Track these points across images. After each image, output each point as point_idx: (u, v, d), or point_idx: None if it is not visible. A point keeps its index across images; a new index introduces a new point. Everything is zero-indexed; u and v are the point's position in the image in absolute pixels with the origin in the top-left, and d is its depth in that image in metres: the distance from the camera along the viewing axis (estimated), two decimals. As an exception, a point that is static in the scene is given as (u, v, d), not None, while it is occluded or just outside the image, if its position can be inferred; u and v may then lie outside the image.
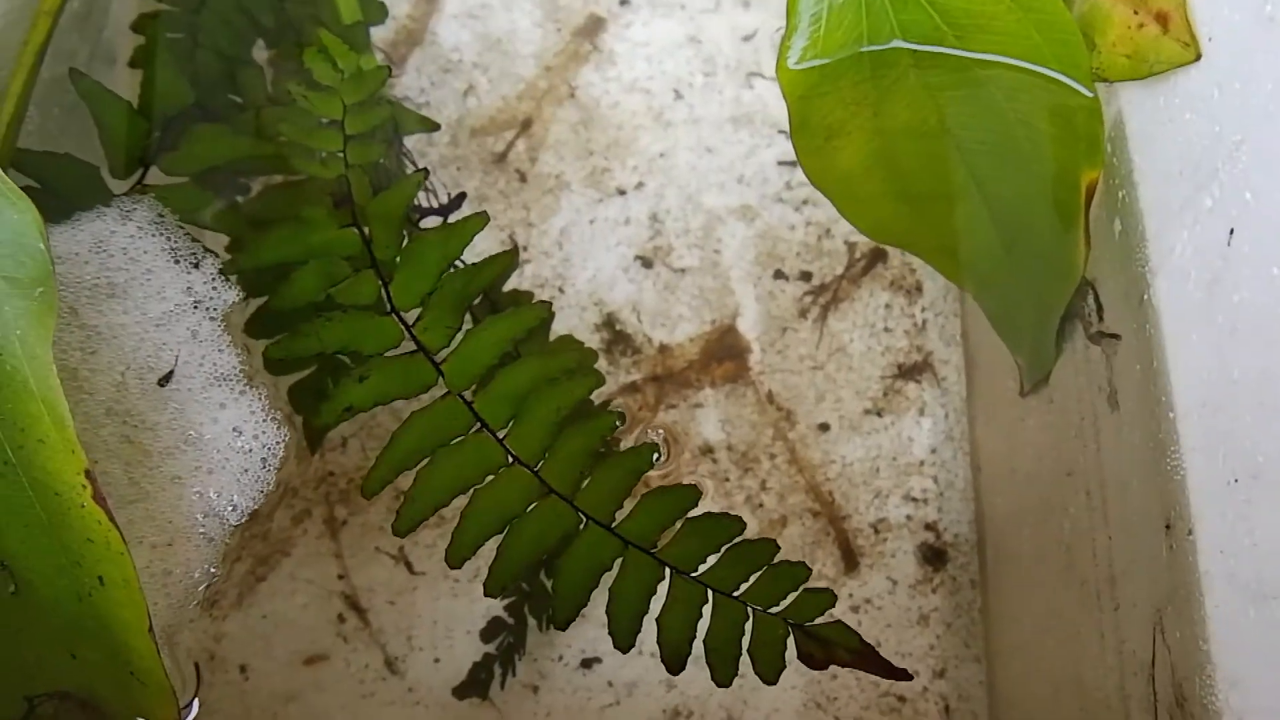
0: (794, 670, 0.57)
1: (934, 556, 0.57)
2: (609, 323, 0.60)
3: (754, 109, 0.63)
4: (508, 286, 0.52)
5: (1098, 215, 0.42)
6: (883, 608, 0.56)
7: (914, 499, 0.57)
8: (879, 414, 0.59)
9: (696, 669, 0.58)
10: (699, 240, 0.61)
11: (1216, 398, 0.33)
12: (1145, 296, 0.38)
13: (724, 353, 0.60)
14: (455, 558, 0.37)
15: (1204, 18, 0.35)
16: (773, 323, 0.60)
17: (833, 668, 0.56)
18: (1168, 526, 0.36)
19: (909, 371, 0.59)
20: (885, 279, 0.60)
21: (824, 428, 0.58)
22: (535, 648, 0.55)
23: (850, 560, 0.57)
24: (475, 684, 0.54)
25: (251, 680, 0.54)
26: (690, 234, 0.61)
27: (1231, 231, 0.33)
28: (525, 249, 0.61)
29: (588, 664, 0.55)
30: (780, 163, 0.62)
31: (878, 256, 0.61)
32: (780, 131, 0.63)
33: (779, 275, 0.61)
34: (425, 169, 0.43)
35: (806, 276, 0.61)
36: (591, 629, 0.56)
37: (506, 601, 0.55)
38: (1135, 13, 0.39)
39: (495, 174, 0.62)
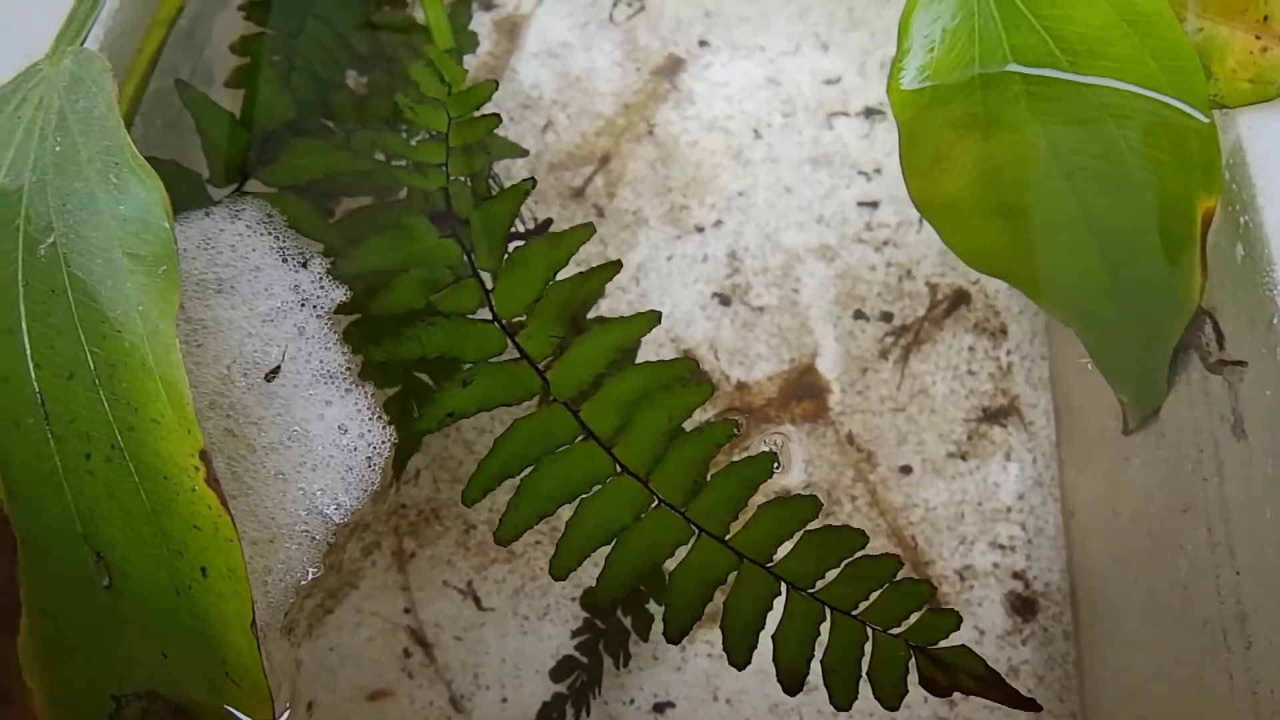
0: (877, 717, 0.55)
1: (1023, 606, 0.54)
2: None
3: (833, 150, 0.63)
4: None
5: (1215, 243, 0.41)
6: (969, 659, 0.54)
7: (1001, 546, 0.55)
8: (963, 458, 0.57)
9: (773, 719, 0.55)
10: (777, 279, 0.61)
11: (1369, 415, 0.32)
12: (1275, 320, 0.37)
13: (803, 392, 0.59)
14: (560, 568, 0.36)
15: (1340, 33, 0.35)
16: (853, 363, 0.59)
17: (913, 711, 0.53)
18: (1313, 554, 0.34)
19: (994, 415, 0.58)
20: (969, 321, 0.59)
21: (906, 470, 0.57)
22: (605, 690, 0.53)
23: (935, 609, 0.55)
24: (544, 725, 0.52)
25: (317, 716, 0.51)
26: (769, 272, 0.61)
27: (1383, 242, 0.32)
28: (603, 282, 0.60)
29: (660, 709, 0.53)
30: (860, 204, 0.62)
31: (960, 299, 0.60)
32: (860, 173, 0.62)
33: (859, 315, 0.60)
34: (533, 178, 0.43)
35: (887, 317, 0.60)
36: (665, 672, 0.53)
37: (579, 640, 0.53)
38: (1257, 37, 0.39)
39: (573, 208, 0.62)
